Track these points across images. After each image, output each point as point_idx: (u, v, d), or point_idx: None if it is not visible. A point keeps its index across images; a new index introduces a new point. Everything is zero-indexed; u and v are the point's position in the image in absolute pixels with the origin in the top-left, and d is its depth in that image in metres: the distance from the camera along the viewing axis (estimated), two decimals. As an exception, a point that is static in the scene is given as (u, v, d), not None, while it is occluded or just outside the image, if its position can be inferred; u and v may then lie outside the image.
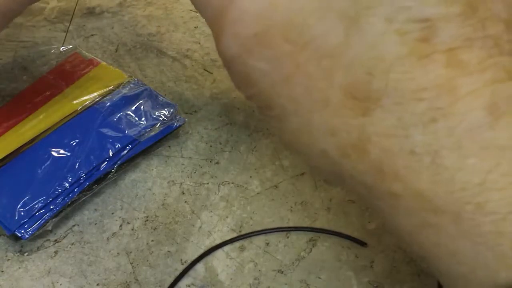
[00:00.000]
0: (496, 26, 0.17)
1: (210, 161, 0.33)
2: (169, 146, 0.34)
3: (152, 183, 0.32)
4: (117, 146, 0.32)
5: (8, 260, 0.29)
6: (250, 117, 0.35)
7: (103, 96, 0.34)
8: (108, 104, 0.33)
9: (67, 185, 0.30)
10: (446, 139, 0.17)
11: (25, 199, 0.29)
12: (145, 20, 0.42)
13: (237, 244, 0.29)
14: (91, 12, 0.43)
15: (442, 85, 0.17)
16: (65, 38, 0.40)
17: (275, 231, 0.30)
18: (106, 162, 0.31)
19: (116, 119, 0.33)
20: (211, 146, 0.34)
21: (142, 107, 0.34)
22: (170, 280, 0.28)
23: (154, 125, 0.33)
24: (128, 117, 0.33)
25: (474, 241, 0.17)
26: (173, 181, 0.32)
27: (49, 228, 0.29)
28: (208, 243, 0.29)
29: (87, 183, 0.30)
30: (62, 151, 0.31)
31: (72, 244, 0.29)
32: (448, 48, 0.17)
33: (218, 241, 0.29)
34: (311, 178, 0.32)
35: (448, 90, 0.17)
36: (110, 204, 0.31)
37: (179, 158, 0.33)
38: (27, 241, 0.29)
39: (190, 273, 0.28)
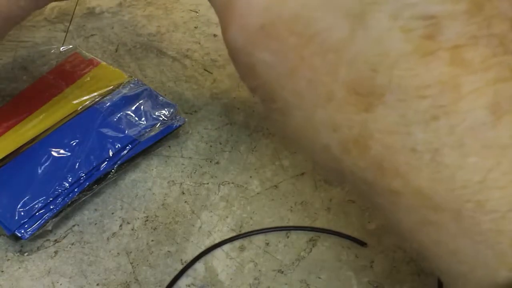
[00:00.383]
0: (501, 25, 0.17)
1: (210, 161, 0.33)
2: (169, 146, 0.34)
3: (152, 183, 0.32)
4: (117, 146, 0.32)
5: (8, 260, 0.29)
6: (250, 117, 0.35)
7: (103, 96, 0.34)
8: (108, 104, 0.33)
9: (67, 185, 0.30)
10: (448, 137, 0.17)
11: (25, 199, 0.29)
12: (145, 20, 0.42)
13: (237, 244, 0.29)
14: (91, 12, 0.43)
15: (446, 83, 0.17)
16: (65, 38, 0.40)
17: (275, 230, 0.30)
18: (106, 162, 0.31)
19: (116, 119, 0.33)
20: (211, 146, 0.34)
21: (142, 107, 0.34)
22: (170, 280, 0.28)
23: (154, 125, 0.33)
24: (128, 117, 0.33)
25: (474, 239, 0.17)
26: (173, 181, 0.32)
27: (49, 228, 0.29)
28: (208, 243, 0.29)
29: (87, 183, 0.30)
30: (62, 151, 0.31)
31: (72, 244, 0.29)
32: (453, 46, 0.17)
33: (218, 241, 0.29)
34: (311, 178, 0.32)
35: (451, 88, 0.17)
36: (110, 204, 0.31)
37: (179, 158, 0.33)
38: (27, 241, 0.29)
39: (190, 273, 0.28)
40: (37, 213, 0.29)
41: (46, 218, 0.29)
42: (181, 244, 0.29)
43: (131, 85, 0.35)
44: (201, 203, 0.31)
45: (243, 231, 0.30)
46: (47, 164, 0.30)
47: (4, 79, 0.37)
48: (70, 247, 0.29)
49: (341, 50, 0.19)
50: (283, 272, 0.28)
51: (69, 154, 0.31)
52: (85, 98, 0.34)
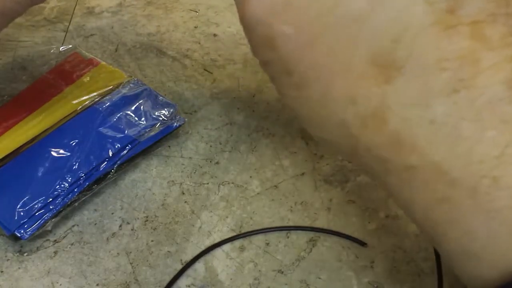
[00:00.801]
0: None
1: (210, 161, 0.33)
2: (169, 146, 0.34)
3: (152, 183, 0.32)
4: (117, 146, 0.31)
5: (8, 260, 0.29)
6: (250, 117, 0.35)
7: (103, 96, 0.34)
8: (108, 104, 0.33)
9: (67, 185, 0.30)
10: (467, 110, 0.18)
11: (25, 199, 0.29)
12: (145, 20, 0.42)
13: (237, 244, 0.29)
14: (90, 12, 0.43)
15: (465, 57, 0.18)
16: (64, 38, 0.40)
17: (275, 230, 0.30)
18: (106, 162, 0.31)
19: (116, 119, 0.33)
20: (211, 146, 0.34)
21: (142, 107, 0.34)
22: (170, 280, 0.28)
23: (154, 125, 0.33)
24: (128, 117, 0.33)
25: (488, 216, 0.17)
26: (173, 181, 0.32)
27: (49, 228, 0.29)
28: (208, 243, 0.29)
29: (87, 183, 0.30)
30: (61, 151, 0.31)
31: (72, 244, 0.29)
32: (472, 21, 0.18)
33: (218, 241, 0.29)
34: (311, 178, 0.32)
35: (470, 62, 0.17)
36: (110, 204, 0.31)
37: (179, 158, 0.33)
38: (26, 241, 0.29)
39: (190, 273, 0.28)
40: (36, 213, 0.29)
41: (45, 218, 0.29)
42: (181, 244, 0.29)
43: (131, 85, 0.35)
44: (201, 203, 0.31)
45: (243, 231, 0.30)
46: (46, 164, 0.30)
47: (4, 79, 0.36)
48: (69, 247, 0.29)
49: (362, 22, 0.19)
50: (283, 272, 0.28)
51: (69, 154, 0.31)
52: (84, 98, 0.34)
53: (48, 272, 0.28)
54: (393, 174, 0.20)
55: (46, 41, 0.40)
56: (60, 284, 0.28)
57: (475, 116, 0.17)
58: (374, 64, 0.19)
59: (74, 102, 0.34)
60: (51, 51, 0.38)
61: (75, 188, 0.30)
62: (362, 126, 0.19)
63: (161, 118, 0.33)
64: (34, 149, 0.31)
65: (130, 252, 0.29)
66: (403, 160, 0.19)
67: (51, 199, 0.29)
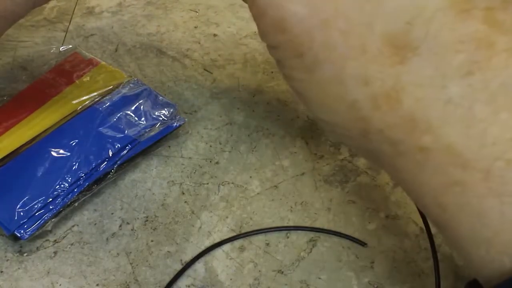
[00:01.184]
0: None
1: (210, 161, 0.33)
2: (169, 146, 0.34)
3: (152, 183, 0.32)
4: (116, 146, 0.31)
5: (8, 260, 0.29)
6: (250, 117, 0.35)
7: (103, 96, 0.34)
8: (108, 104, 0.33)
9: (67, 185, 0.30)
10: (481, 92, 0.18)
11: (25, 199, 0.29)
12: (145, 20, 0.42)
13: (237, 244, 0.29)
14: (90, 12, 0.43)
15: (481, 40, 0.18)
16: (64, 38, 0.40)
17: (275, 231, 0.30)
18: (105, 162, 0.31)
19: (116, 119, 0.33)
20: (211, 146, 0.34)
21: (141, 107, 0.34)
22: (169, 280, 0.28)
23: (154, 125, 0.33)
24: (127, 117, 0.33)
25: (501, 200, 0.17)
26: (173, 181, 0.32)
27: (49, 228, 0.29)
28: (208, 243, 0.29)
29: (87, 183, 0.30)
30: (61, 151, 0.31)
31: (72, 244, 0.29)
32: (486, 7, 0.18)
33: (218, 241, 0.29)
34: (311, 178, 0.32)
35: (485, 45, 0.18)
36: (110, 205, 0.31)
37: (179, 158, 0.33)
38: (26, 241, 0.29)
39: (190, 273, 0.28)
40: (36, 213, 0.29)
41: (45, 218, 0.29)
42: (181, 245, 0.29)
43: (131, 85, 0.35)
44: (201, 203, 0.31)
45: (243, 231, 0.30)
46: (46, 164, 0.30)
47: (4, 79, 0.36)
48: (69, 248, 0.29)
49: (378, 2, 0.19)
50: (283, 272, 0.28)
51: (69, 154, 0.31)
52: (84, 98, 0.34)
53: (48, 272, 0.28)
54: (405, 156, 0.20)
55: (46, 41, 0.40)
56: (60, 284, 0.28)
57: (489, 98, 0.18)
58: (389, 44, 0.19)
59: (74, 102, 0.34)
60: (51, 51, 0.38)
61: (75, 188, 0.30)
62: (375, 107, 0.19)
63: (161, 118, 0.33)
64: (34, 149, 0.31)
65: (130, 252, 0.29)
66: (416, 141, 0.19)
67: (51, 199, 0.29)
